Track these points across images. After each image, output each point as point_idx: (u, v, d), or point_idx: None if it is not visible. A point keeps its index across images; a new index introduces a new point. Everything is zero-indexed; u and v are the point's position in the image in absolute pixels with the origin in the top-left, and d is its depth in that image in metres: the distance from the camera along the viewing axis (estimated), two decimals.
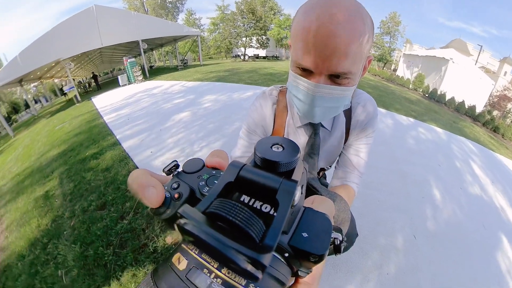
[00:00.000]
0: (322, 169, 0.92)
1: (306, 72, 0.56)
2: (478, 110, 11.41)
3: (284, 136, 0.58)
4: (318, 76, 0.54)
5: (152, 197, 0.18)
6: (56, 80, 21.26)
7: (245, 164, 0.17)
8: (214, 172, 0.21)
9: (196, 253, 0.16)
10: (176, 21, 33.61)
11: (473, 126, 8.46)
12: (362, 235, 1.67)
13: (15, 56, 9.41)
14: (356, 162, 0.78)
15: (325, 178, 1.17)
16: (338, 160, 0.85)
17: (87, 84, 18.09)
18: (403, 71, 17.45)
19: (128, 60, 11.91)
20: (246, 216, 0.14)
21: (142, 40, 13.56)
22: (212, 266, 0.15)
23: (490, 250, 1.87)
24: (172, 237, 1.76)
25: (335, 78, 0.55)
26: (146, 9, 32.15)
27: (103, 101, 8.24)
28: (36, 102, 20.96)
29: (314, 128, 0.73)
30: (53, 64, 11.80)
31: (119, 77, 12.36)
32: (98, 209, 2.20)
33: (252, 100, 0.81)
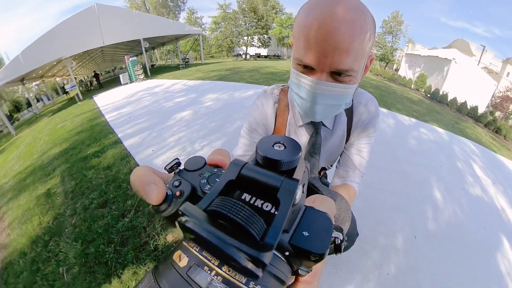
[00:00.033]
0: (323, 169, 0.92)
1: (307, 69, 0.56)
2: (480, 111, 11.36)
3: (286, 135, 0.58)
4: (320, 73, 0.54)
5: (153, 194, 0.18)
6: (58, 79, 21.36)
7: (246, 163, 0.17)
8: (215, 170, 0.21)
9: (197, 250, 0.16)
10: (178, 19, 33.66)
11: (475, 127, 8.43)
12: (363, 235, 1.67)
13: (17, 55, 9.44)
14: (357, 161, 0.78)
15: (326, 177, 1.16)
16: (339, 159, 0.85)
17: (88, 83, 18.11)
18: (405, 71, 17.40)
19: (130, 59, 11.91)
20: (247, 214, 0.14)
21: (144, 39, 13.59)
22: (213, 263, 0.15)
23: (491, 251, 1.86)
24: (173, 235, 1.77)
25: (336, 75, 0.55)
26: (148, 8, 32.18)
27: (104, 100, 8.26)
28: (38, 101, 21.05)
29: (315, 127, 0.73)
30: (55, 63, 11.85)
31: (120, 75, 12.38)
32: (99, 207, 2.21)
33: (253, 99, 0.81)
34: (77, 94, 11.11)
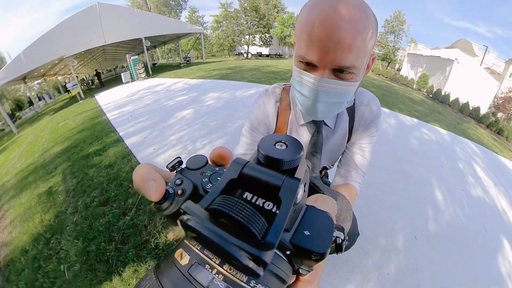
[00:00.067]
0: (325, 168, 0.92)
1: (309, 67, 0.56)
2: (483, 111, 11.29)
3: (287, 134, 0.58)
4: (322, 70, 0.54)
5: (152, 190, 0.18)
6: (59, 78, 21.41)
7: (248, 161, 0.17)
8: (217, 169, 0.21)
9: (199, 249, 0.16)
10: (179, 18, 33.63)
11: (477, 128, 8.38)
12: (363, 234, 1.67)
13: (19, 53, 9.46)
14: (359, 161, 0.78)
15: (327, 177, 1.16)
16: (340, 159, 0.84)
17: (90, 81, 18.18)
18: (407, 71, 17.33)
19: (131, 58, 11.92)
20: (248, 213, 0.14)
21: (145, 38, 13.58)
22: (214, 262, 0.15)
23: (491, 252, 1.86)
24: (174, 233, 1.77)
25: (339, 73, 0.55)
26: (149, 7, 32.18)
27: (106, 98, 8.28)
28: (39, 99, 21.09)
29: (317, 126, 0.73)
30: (56, 62, 11.86)
31: (122, 74, 12.40)
32: (101, 205, 2.22)
33: (254, 98, 0.81)
34: (78, 93, 11.12)
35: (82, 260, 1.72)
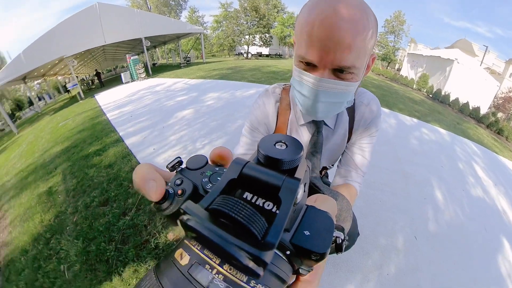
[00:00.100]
0: (324, 168, 0.92)
1: (310, 67, 0.56)
2: (483, 111, 11.28)
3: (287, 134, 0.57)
4: (322, 70, 0.54)
5: (152, 190, 0.18)
6: (59, 78, 21.41)
7: (248, 161, 0.17)
8: (217, 169, 0.21)
9: (199, 249, 0.16)
10: (179, 18, 33.63)
11: (477, 128, 8.38)
12: (363, 234, 1.67)
13: (19, 53, 9.45)
14: (359, 161, 0.78)
15: (327, 177, 1.16)
16: (340, 159, 0.84)
17: (90, 81, 18.17)
18: (407, 71, 17.32)
19: (131, 58, 11.92)
20: (248, 213, 0.14)
21: (145, 38, 13.58)
22: (214, 262, 0.15)
23: (491, 252, 1.86)
24: (174, 233, 1.77)
25: (339, 72, 0.55)
26: (149, 7, 32.18)
27: (106, 98, 8.28)
28: (39, 99, 21.09)
29: (317, 126, 0.73)
30: (56, 62, 11.86)
31: (122, 74, 12.40)
32: (101, 205, 2.22)
33: (254, 98, 0.81)
34: (78, 93, 11.12)
35: (82, 260, 1.72)
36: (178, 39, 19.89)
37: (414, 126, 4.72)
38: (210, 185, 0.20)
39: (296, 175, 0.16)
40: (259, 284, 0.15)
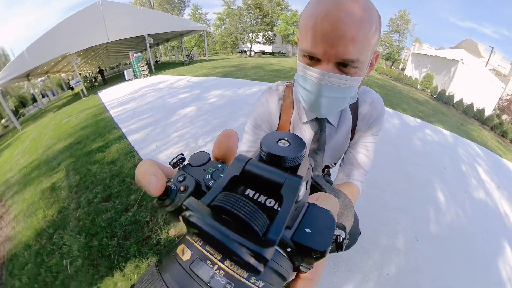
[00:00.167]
0: (327, 167, 0.92)
1: (313, 61, 0.57)
2: (487, 113, 11.15)
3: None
4: (326, 64, 0.55)
5: (152, 185, 0.19)
6: (62, 75, 21.50)
7: (250, 158, 0.17)
8: (219, 165, 0.22)
9: (200, 245, 0.16)
10: (182, 16, 33.62)
11: (481, 129, 8.29)
12: (364, 234, 1.66)
13: (23, 51, 9.50)
14: (361, 160, 0.77)
15: (329, 175, 1.16)
16: (343, 157, 0.84)
17: (93, 79, 18.27)
18: (411, 71, 17.18)
19: (134, 55, 11.95)
20: (250, 210, 0.14)
21: (148, 35, 13.60)
22: (216, 258, 0.15)
23: (492, 255, 1.84)
24: (175, 229, 1.78)
25: (342, 67, 0.55)
26: (152, 4, 32.15)
27: (109, 95, 8.32)
28: (43, 96, 21.22)
29: (320, 124, 0.72)
30: (59, 59, 11.91)
31: (125, 71, 12.44)
32: (103, 201, 2.24)
33: (257, 96, 0.81)
34: (82, 90, 11.18)
35: (84, 255, 1.74)
36: (181, 37, 19.89)
37: (417, 126, 4.68)
38: (213, 181, 0.20)
39: (298, 173, 0.16)
40: (259, 281, 0.15)
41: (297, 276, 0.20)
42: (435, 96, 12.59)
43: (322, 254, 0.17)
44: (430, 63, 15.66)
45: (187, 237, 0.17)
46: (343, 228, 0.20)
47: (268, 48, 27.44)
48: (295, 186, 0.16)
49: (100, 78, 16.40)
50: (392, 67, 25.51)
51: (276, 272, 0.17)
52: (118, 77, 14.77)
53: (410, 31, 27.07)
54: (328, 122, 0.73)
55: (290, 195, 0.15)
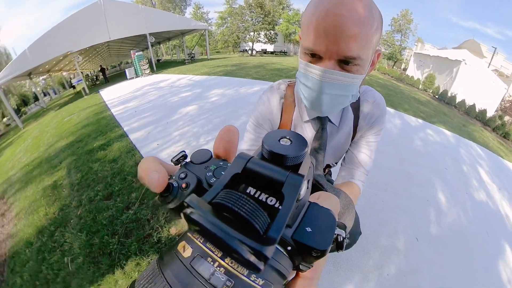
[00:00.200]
0: (328, 166, 0.92)
1: (315, 58, 0.57)
2: (489, 114, 11.07)
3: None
4: (328, 61, 0.55)
5: (154, 181, 0.19)
6: (64, 73, 21.59)
7: (252, 156, 0.17)
8: (221, 163, 0.22)
9: (201, 242, 0.16)
10: (184, 14, 33.64)
11: (483, 130, 8.24)
12: (365, 234, 1.67)
13: (24, 49, 9.54)
14: (363, 159, 0.77)
15: (330, 175, 1.16)
16: (344, 157, 0.84)
17: (95, 77, 18.29)
18: (414, 71, 17.10)
19: (136, 54, 11.98)
20: (251, 208, 0.14)
21: (150, 34, 13.61)
22: (216, 255, 0.15)
23: (492, 257, 1.84)
24: (176, 227, 1.79)
25: (344, 64, 0.55)
26: (154, 3, 32.17)
27: (110, 94, 8.34)
28: (45, 95, 21.33)
29: (321, 123, 0.72)
30: (61, 58, 11.96)
31: (126, 70, 12.47)
32: (105, 199, 2.25)
33: (259, 94, 0.81)
34: (83, 88, 11.23)
35: (86, 253, 1.75)
36: (183, 36, 19.91)
37: (419, 127, 4.67)
38: (214, 179, 0.20)
39: (300, 172, 0.16)
40: (259, 278, 0.15)
41: (297, 275, 0.20)
42: (437, 97, 12.53)
43: (322, 253, 0.17)
44: (432, 63, 15.58)
45: (188, 234, 0.17)
46: (343, 227, 0.20)
47: (270, 47, 27.42)
48: (296, 184, 0.16)
49: (102, 76, 16.43)
50: (394, 67, 25.41)
51: (276, 270, 0.17)
52: (120, 76, 14.80)
53: (413, 30, 26.98)
54: (330, 121, 0.73)
55: (291, 194, 0.15)
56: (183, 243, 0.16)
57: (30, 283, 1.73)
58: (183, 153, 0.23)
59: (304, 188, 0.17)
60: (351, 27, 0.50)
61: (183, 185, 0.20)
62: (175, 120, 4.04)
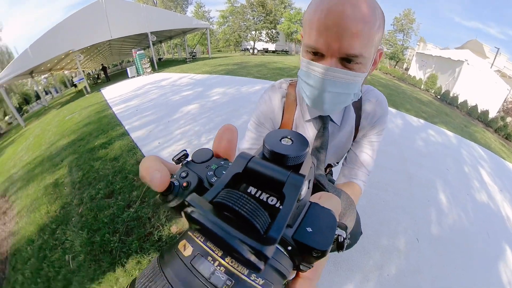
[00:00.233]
0: (329, 165, 0.92)
1: (317, 56, 0.57)
2: (491, 115, 11.02)
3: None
4: (330, 59, 0.55)
5: (156, 180, 0.19)
6: (66, 72, 21.66)
7: (253, 156, 0.17)
8: (222, 162, 0.22)
9: (202, 241, 0.16)
10: (185, 13, 33.61)
11: (485, 131, 8.20)
12: (365, 234, 1.65)
13: (26, 48, 9.56)
14: (364, 159, 0.77)
15: (331, 174, 1.16)
16: (345, 156, 0.84)
17: (96, 76, 18.35)
18: (416, 71, 17.03)
19: (137, 52, 11.99)
20: (252, 208, 0.14)
21: (151, 33, 13.62)
22: (216, 254, 0.15)
23: (493, 258, 1.83)
24: (177, 226, 1.79)
25: (346, 62, 0.55)
26: (155, 1, 32.17)
27: (112, 93, 8.35)
28: (46, 93, 21.39)
29: (323, 122, 0.72)
30: (63, 56, 11.99)
31: (128, 69, 12.49)
32: (106, 197, 2.25)
33: (260, 93, 0.81)
34: (85, 87, 11.24)
35: (87, 251, 1.75)
36: (184, 34, 19.90)
37: (420, 127, 4.65)
38: (215, 178, 0.20)
39: (301, 172, 0.16)
40: (259, 278, 0.15)
41: (297, 275, 0.20)
42: (439, 97, 12.48)
43: (322, 254, 0.17)
44: (434, 63, 15.50)
45: (189, 233, 0.17)
46: (344, 228, 0.20)
47: (271, 46, 27.38)
48: (297, 184, 0.16)
49: (103, 75, 16.47)
50: (396, 66, 25.32)
51: (276, 270, 0.17)
52: (121, 74, 14.82)
53: (415, 30, 26.83)
54: (331, 120, 0.73)
55: (292, 194, 0.15)
56: (183, 241, 0.16)
57: (32, 280, 1.75)
58: (184, 152, 0.23)
59: (305, 188, 0.17)
60: (354, 25, 0.49)
61: (184, 184, 0.20)
62: (177, 119, 4.04)
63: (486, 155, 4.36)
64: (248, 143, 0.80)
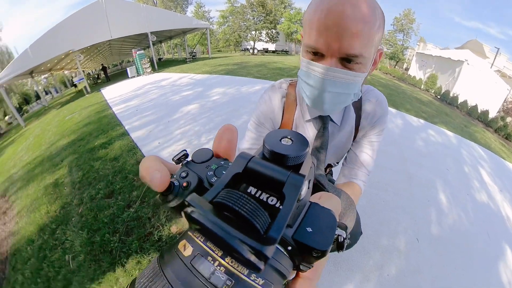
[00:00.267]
0: (329, 165, 0.91)
1: (317, 56, 0.57)
2: (491, 115, 11.01)
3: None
4: (330, 59, 0.55)
5: (156, 180, 0.19)
6: (66, 72, 21.66)
7: (253, 156, 0.17)
8: (222, 162, 0.22)
9: (202, 241, 0.16)
10: (185, 13, 33.61)
11: (485, 131, 8.20)
12: (365, 234, 1.65)
13: (26, 48, 9.56)
14: (364, 159, 0.77)
15: (331, 174, 1.16)
16: (345, 156, 0.84)
17: (96, 76, 18.35)
18: (416, 71, 17.03)
19: (137, 52, 11.98)
20: (252, 208, 0.14)
21: (151, 33, 13.62)
22: (216, 254, 0.15)
23: (493, 258, 1.83)
24: (177, 226, 1.79)
25: (346, 62, 0.55)
26: (155, 1, 32.17)
27: (112, 93, 8.35)
28: (46, 93, 21.39)
29: (323, 122, 0.72)
30: (63, 56, 11.99)
31: (128, 69, 12.49)
32: (106, 197, 2.25)
33: (260, 93, 0.81)
34: (85, 87, 11.24)
35: (87, 251, 1.75)
36: (184, 34, 19.90)
37: (420, 127, 4.65)
38: (215, 178, 0.20)
39: (301, 172, 0.16)
40: (259, 278, 0.15)
41: (297, 275, 0.20)
42: (439, 97, 12.48)
43: (322, 254, 0.17)
44: (434, 63, 15.50)
45: (189, 233, 0.17)
46: (344, 228, 0.20)
47: (271, 46, 27.38)
48: (297, 184, 0.16)
49: (103, 75, 16.46)
50: (396, 66, 25.32)
51: (276, 270, 0.17)
52: (121, 74, 14.82)
53: (415, 30, 26.83)
54: (331, 120, 0.73)
55: (292, 194, 0.15)
56: (183, 241, 0.16)
57: (32, 280, 1.74)
58: (184, 152, 0.23)
59: (305, 188, 0.17)
60: (354, 25, 0.49)
61: (184, 184, 0.20)
62: (177, 119, 4.04)
63: (486, 155, 4.36)
64: (248, 143, 0.80)
